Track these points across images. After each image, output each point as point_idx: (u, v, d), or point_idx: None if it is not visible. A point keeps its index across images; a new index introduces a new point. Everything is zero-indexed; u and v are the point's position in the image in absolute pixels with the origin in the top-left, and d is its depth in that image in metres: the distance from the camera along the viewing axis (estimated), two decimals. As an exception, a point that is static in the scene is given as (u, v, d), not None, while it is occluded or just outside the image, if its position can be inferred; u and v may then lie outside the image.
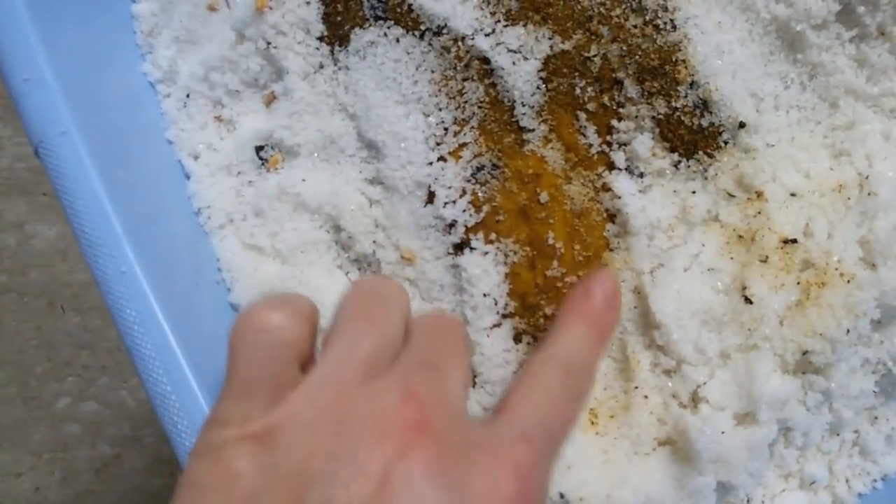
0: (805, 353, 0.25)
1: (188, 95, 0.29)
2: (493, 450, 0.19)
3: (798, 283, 0.25)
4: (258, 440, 0.18)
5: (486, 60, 0.26)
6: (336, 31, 0.27)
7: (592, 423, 0.26)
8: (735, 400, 0.24)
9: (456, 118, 0.26)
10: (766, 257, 0.26)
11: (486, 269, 0.26)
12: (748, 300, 0.25)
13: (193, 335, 0.24)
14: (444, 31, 0.26)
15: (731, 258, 0.26)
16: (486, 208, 0.26)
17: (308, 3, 0.27)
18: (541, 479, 0.19)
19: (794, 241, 0.25)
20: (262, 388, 0.19)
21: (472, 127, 0.26)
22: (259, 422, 0.18)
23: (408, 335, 0.21)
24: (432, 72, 0.26)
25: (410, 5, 0.26)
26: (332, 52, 0.27)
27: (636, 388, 0.26)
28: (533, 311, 0.27)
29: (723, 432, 0.24)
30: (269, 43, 0.27)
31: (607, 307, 0.24)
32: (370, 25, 0.27)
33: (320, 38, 0.27)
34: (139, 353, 0.23)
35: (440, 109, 0.26)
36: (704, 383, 0.25)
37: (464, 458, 0.18)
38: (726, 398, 0.24)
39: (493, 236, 0.26)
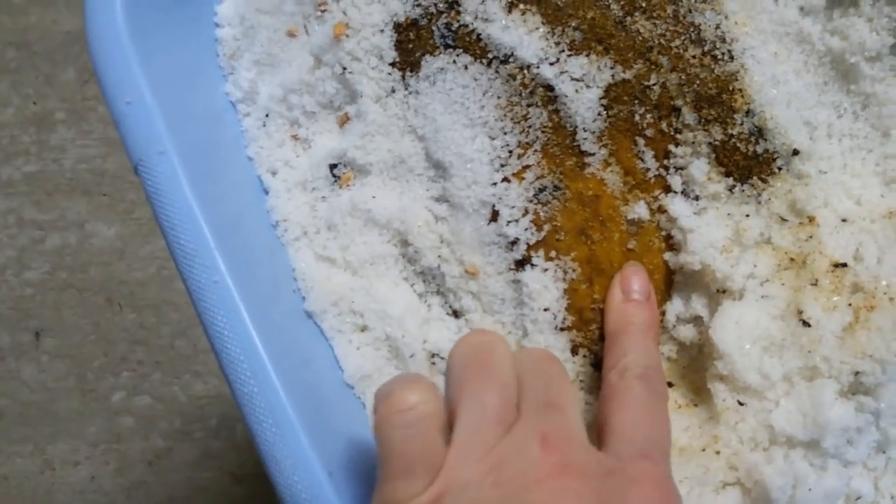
0: (857, 374, 0.26)
1: (267, 115, 0.31)
2: (628, 472, 0.21)
3: (849, 305, 0.26)
4: None
5: (550, 88, 0.27)
6: (408, 58, 0.29)
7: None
8: (800, 429, 0.25)
9: (520, 141, 0.28)
10: (817, 281, 0.27)
11: (545, 285, 0.27)
12: (806, 323, 0.26)
13: (276, 340, 0.26)
14: (511, 59, 0.27)
15: (783, 284, 0.27)
16: (546, 227, 0.28)
17: (382, 31, 0.29)
18: (675, 488, 0.22)
19: (844, 265, 0.26)
20: (420, 462, 0.21)
21: (536, 150, 0.28)
22: (427, 493, 0.21)
23: (519, 378, 0.23)
24: (498, 97, 0.28)
25: (479, 35, 0.28)
26: (403, 77, 0.29)
27: (700, 427, 0.27)
28: (589, 325, 0.28)
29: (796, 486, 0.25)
30: (344, 68, 0.29)
31: (648, 303, 0.27)
32: (440, 53, 0.28)
33: (392, 64, 0.29)
34: (227, 357, 0.25)
35: (505, 133, 0.28)
36: (771, 412, 0.26)
37: (608, 484, 0.21)
38: (792, 426, 0.25)
39: (552, 254, 0.28)
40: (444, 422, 0.22)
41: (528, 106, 0.28)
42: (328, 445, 0.25)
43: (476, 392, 0.22)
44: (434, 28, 0.28)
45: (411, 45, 0.29)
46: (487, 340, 0.24)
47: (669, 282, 0.29)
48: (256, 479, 0.78)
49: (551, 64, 0.27)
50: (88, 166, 0.84)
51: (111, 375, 0.80)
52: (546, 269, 0.28)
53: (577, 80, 0.27)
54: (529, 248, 0.28)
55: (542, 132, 0.28)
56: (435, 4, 0.28)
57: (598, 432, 0.24)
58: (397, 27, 0.29)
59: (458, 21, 0.28)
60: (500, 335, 0.25)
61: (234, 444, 0.79)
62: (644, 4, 0.27)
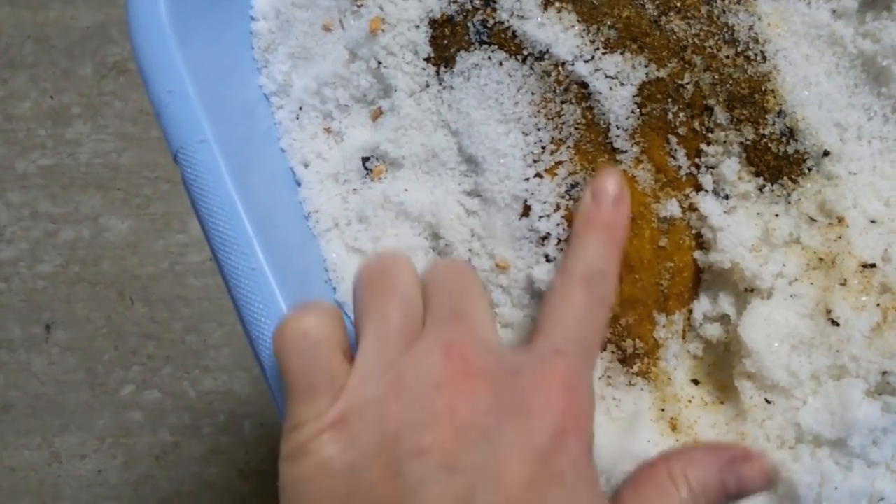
0: (884, 373, 0.26)
1: (301, 108, 0.31)
2: (536, 370, 0.21)
3: (877, 305, 0.26)
4: (335, 427, 0.21)
5: (584, 85, 0.28)
6: (442, 54, 0.29)
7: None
8: (828, 427, 0.26)
9: (553, 138, 0.28)
10: (845, 280, 0.27)
11: (575, 280, 0.28)
12: (835, 322, 0.26)
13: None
14: (546, 56, 0.28)
15: (812, 283, 0.27)
16: (578, 223, 0.28)
17: (417, 26, 0.29)
18: (586, 387, 0.22)
19: (873, 265, 0.27)
20: (321, 383, 0.22)
21: (569, 146, 0.28)
22: (330, 413, 0.21)
23: (425, 293, 0.23)
24: (532, 94, 0.28)
25: (514, 32, 0.28)
26: (437, 72, 0.29)
27: (726, 424, 0.27)
28: (617, 320, 0.28)
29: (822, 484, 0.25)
30: (379, 62, 0.30)
31: (617, 208, 0.26)
32: (475, 49, 0.29)
33: (427, 60, 0.29)
34: (263, 344, 0.25)
35: (538, 129, 0.28)
36: (798, 410, 0.26)
37: (514, 385, 0.21)
38: (819, 425, 0.26)
39: (583, 249, 0.28)
40: (346, 344, 0.23)
41: (562, 103, 0.28)
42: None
43: (377, 311, 0.22)
44: (469, 24, 0.29)
45: (446, 41, 0.29)
46: (388, 261, 0.24)
47: (697, 280, 0.29)
48: (263, 475, 0.78)
49: (586, 61, 0.27)
50: (103, 161, 0.84)
51: (121, 369, 0.81)
52: (577, 264, 0.28)
53: (612, 77, 0.27)
54: (560, 242, 0.28)
55: (576, 129, 0.28)
56: (471, 1, 0.29)
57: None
58: (433, 23, 0.29)
59: (493, 18, 0.28)
60: (405, 255, 0.25)
61: (242, 441, 0.79)
62: (679, 4, 0.27)
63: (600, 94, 0.27)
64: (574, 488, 0.20)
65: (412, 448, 0.20)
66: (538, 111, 0.28)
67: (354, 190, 0.30)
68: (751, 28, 0.27)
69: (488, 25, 0.28)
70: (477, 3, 0.29)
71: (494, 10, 0.28)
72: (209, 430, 0.79)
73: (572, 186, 0.28)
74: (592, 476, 0.22)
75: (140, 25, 0.27)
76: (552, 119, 0.28)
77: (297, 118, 0.31)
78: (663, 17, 0.27)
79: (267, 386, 0.26)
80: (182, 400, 0.80)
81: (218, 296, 0.80)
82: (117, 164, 0.84)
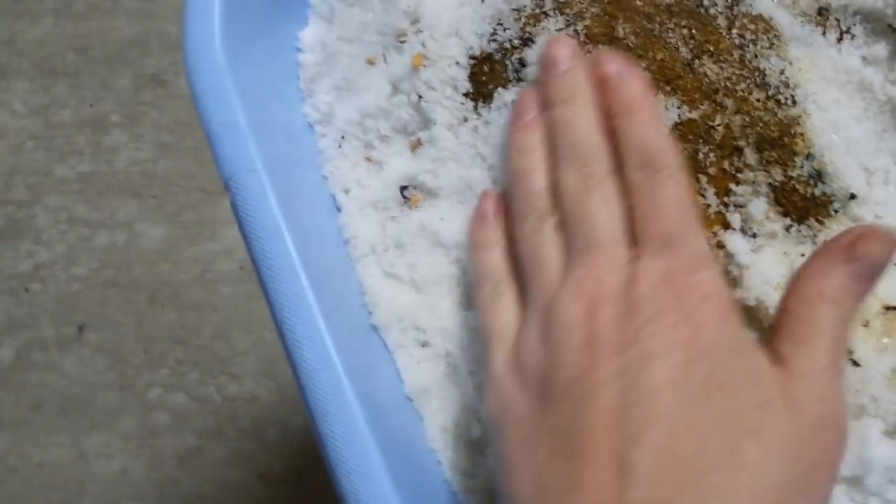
0: (903, 413, 0.26)
1: (343, 137, 0.32)
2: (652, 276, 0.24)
3: (899, 347, 0.27)
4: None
5: (617, 124, 0.29)
6: (480, 90, 0.30)
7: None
8: (845, 465, 0.26)
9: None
10: (868, 322, 0.27)
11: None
12: (856, 363, 0.27)
13: (347, 351, 0.27)
14: (581, 95, 0.29)
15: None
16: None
17: (458, 63, 0.30)
18: (705, 266, 0.24)
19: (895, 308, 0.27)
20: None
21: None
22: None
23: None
24: (567, 131, 0.29)
25: (551, 71, 0.29)
26: (475, 107, 0.30)
27: None
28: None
29: None
30: (420, 96, 0.31)
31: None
32: (512, 86, 0.30)
33: (466, 95, 0.31)
34: (305, 368, 0.26)
35: (572, 165, 0.29)
36: None
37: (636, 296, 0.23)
38: None
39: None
40: None
41: (596, 140, 0.29)
42: (391, 452, 0.27)
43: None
44: (507, 62, 0.30)
45: (485, 78, 0.30)
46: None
47: (722, 314, 0.30)
48: (284, 482, 0.80)
49: (620, 102, 0.28)
50: (140, 169, 0.87)
51: (149, 372, 0.83)
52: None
53: (645, 118, 0.28)
54: (590, 275, 0.29)
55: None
56: (510, 41, 0.30)
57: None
58: (472, 60, 0.30)
59: (530, 57, 0.29)
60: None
61: (265, 447, 0.81)
62: (712, 49, 0.28)
63: (633, 133, 0.28)
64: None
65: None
66: (572, 148, 0.29)
67: (392, 217, 0.32)
68: (782, 72, 0.28)
69: (525, 64, 0.30)
70: (516, 42, 0.30)
71: (532, 48, 0.29)
72: (233, 435, 0.81)
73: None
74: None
75: (195, 49, 0.28)
76: (585, 156, 0.29)
77: (340, 147, 0.32)
78: (696, 61, 0.28)
79: (305, 404, 0.27)
80: (208, 404, 0.81)
81: (246, 304, 0.82)
82: (153, 173, 0.87)
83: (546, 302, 0.24)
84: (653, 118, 0.26)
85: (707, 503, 0.20)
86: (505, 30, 0.30)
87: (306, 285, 0.27)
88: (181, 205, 0.86)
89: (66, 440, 0.84)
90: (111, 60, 0.91)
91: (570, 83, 0.26)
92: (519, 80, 0.30)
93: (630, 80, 0.26)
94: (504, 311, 0.26)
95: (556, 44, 0.27)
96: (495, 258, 0.27)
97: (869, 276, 0.24)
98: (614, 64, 0.26)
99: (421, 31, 0.31)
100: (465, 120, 0.31)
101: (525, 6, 0.30)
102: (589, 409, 0.21)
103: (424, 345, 0.31)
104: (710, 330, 0.22)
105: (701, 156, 0.28)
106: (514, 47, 0.30)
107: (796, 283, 0.24)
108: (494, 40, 0.30)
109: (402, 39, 0.31)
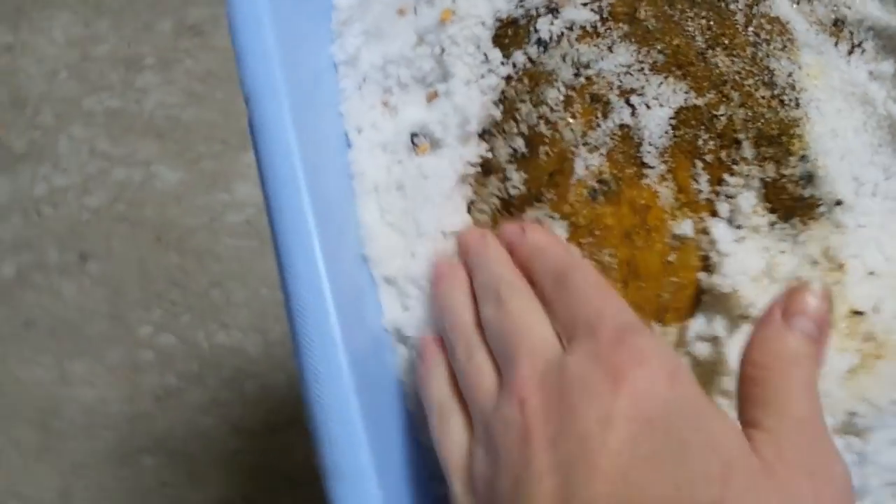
0: (851, 414, 0.27)
1: (364, 79, 0.34)
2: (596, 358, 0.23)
3: (858, 350, 0.28)
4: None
5: (627, 100, 0.30)
6: (502, 52, 0.32)
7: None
8: None
9: (588, 143, 0.30)
10: (834, 323, 0.28)
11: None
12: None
13: (339, 281, 0.28)
14: (593, 65, 0.30)
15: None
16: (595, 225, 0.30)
17: (483, 24, 0.32)
18: (644, 340, 0.23)
19: (862, 313, 0.28)
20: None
21: (601, 154, 0.30)
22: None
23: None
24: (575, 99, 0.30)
25: (570, 40, 0.30)
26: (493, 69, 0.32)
27: None
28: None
29: None
30: (443, 49, 0.32)
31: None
32: (529, 47, 0.31)
33: (486, 54, 0.32)
34: (297, 303, 0.27)
35: (576, 133, 0.30)
36: None
37: (567, 382, 0.23)
38: None
39: (594, 250, 0.30)
40: None
41: (601, 112, 0.30)
42: (360, 363, 0.28)
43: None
44: (531, 28, 0.31)
45: (507, 41, 0.32)
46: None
47: (698, 300, 0.31)
48: (255, 435, 0.81)
49: (631, 76, 0.30)
50: (166, 113, 0.88)
51: (143, 310, 0.84)
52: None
53: (653, 97, 0.30)
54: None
55: (611, 139, 0.30)
56: (536, 8, 0.31)
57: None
58: (498, 22, 0.32)
59: (553, 25, 0.31)
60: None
61: (242, 398, 0.82)
62: (727, 42, 0.30)
63: (639, 110, 0.30)
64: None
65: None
66: (577, 115, 0.30)
67: (399, 161, 0.33)
68: (790, 75, 0.30)
69: (547, 33, 0.31)
70: (542, 10, 0.31)
71: (557, 18, 0.31)
72: (213, 383, 0.82)
73: (598, 183, 0.30)
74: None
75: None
76: (591, 126, 0.30)
77: (360, 89, 0.34)
78: (710, 51, 0.30)
79: (293, 344, 0.28)
80: (194, 349, 0.83)
81: (248, 258, 0.83)
82: (178, 118, 0.88)
83: (486, 417, 0.24)
84: (561, 249, 0.28)
85: None
86: (533, -3, 0.31)
87: (308, 205, 0.28)
88: (201, 153, 0.88)
89: (50, 361, 0.85)
90: (155, 4, 0.93)
91: (482, 241, 0.29)
92: (539, 44, 0.31)
93: (531, 229, 0.28)
94: (454, 433, 0.26)
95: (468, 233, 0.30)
96: (440, 388, 0.27)
97: (812, 332, 0.23)
98: (516, 226, 0.29)
99: (454, -12, 0.32)
100: (482, 77, 0.32)
101: (556, -22, 0.31)
102: None
103: (396, 285, 0.32)
104: (654, 396, 0.21)
105: (700, 142, 0.30)
106: (538, 15, 0.31)
107: (749, 353, 0.23)
108: (522, 6, 0.31)
109: (434, -7, 0.32)
